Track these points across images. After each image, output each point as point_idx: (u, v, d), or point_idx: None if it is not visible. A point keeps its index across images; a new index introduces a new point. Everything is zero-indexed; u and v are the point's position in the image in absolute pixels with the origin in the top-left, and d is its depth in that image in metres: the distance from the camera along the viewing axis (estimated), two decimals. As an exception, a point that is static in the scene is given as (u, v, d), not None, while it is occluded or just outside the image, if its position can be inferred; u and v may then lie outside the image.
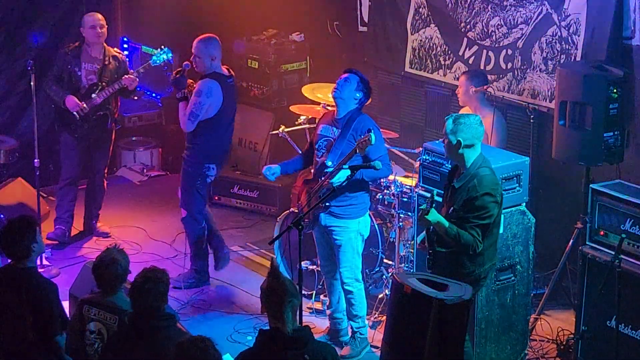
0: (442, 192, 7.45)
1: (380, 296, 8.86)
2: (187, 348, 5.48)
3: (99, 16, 10.03)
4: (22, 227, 6.87)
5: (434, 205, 6.97)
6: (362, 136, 7.72)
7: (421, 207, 7.02)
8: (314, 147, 8.31)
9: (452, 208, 7.07)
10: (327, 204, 8.02)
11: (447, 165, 7.88)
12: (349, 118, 8.07)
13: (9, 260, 6.92)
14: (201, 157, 9.22)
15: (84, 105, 9.84)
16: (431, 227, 7.04)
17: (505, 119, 9.48)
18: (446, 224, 6.92)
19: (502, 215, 7.81)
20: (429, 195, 7.25)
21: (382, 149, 8.02)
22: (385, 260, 9.02)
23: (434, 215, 6.92)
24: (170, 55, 10.25)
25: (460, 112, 9.22)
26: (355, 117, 8.06)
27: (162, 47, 10.19)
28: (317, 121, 8.48)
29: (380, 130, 8.25)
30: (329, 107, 8.49)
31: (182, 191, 9.39)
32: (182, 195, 9.40)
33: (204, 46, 9.12)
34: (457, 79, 10.11)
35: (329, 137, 8.15)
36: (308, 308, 8.99)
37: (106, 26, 10.06)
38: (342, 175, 7.75)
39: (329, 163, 8.02)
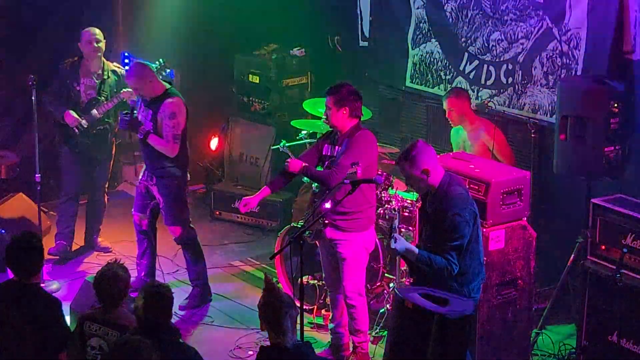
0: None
1: (381, 311, 8.85)
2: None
3: (96, 31, 10.03)
4: (32, 244, 6.85)
5: (398, 233, 6.86)
6: (352, 167, 7.74)
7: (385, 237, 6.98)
8: (318, 163, 8.32)
9: (426, 233, 7.07)
10: (327, 221, 8.04)
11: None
12: (348, 135, 8.07)
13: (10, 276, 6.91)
14: (182, 167, 9.27)
15: (83, 120, 9.84)
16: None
17: (507, 133, 9.49)
18: (416, 251, 6.86)
19: (503, 230, 7.83)
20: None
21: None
22: (386, 275, 9.01)
23: (401, 244, 6.84)
24: (167, 70, 10.28)
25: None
26: (353, 134, 8.06)
27: (160, 60, 10.19)
28: (319, 139, 8.47)
29: (379, 148, 8.31)
30: (329, 122, 8.50)
31: (170, 207, 9.25)
32: (171, 212, 9.27)
33: (145, 71, 9.15)
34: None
35: (332, 155, 8.16)
36: (309, 323, 8.98)
37: (103, 40, 10.06)
38: None
39: None
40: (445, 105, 9.27)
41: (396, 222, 6.92)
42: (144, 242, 9.52)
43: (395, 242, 6.81)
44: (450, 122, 9.32)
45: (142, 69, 9.17)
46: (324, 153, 8.26)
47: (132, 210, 9.51)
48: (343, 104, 8.01)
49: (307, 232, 8.00)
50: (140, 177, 9.46)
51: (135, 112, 9.14)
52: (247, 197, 8.40)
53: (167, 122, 9.03)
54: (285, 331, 5.59)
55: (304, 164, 8.13)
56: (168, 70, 10.35)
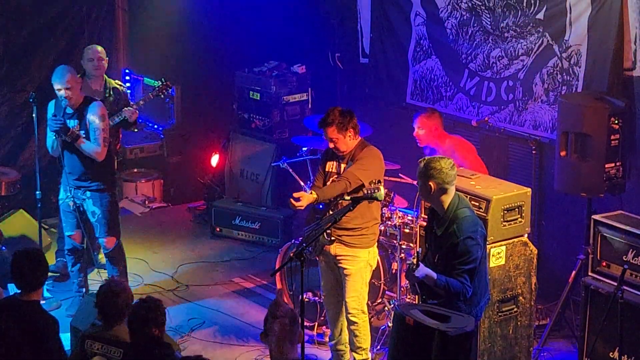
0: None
1: (382, 328, 8.83)
2: None
3: (99, 48, 10.03)
4: (37, 259, 6.85)
5: (420, 259, 6.92)
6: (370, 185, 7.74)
7: (408, 262, 6.98)
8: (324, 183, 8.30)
9: (437, 256, 7.06)
10: (332, 238, 8.03)
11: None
12: (353, 153, 8.07)
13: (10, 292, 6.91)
14: (112, 174, 9.37)
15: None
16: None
17: (507, 150, 9.49)
18: (434, 276, 6.88)
19: (504, 247, 7.84)
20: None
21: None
22: (387, 292, 9.00)
23: (422, 271, 6.87)
24: (170, 88, 10.30)
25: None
26: (359, 150, 8.05)
27: (163, 79, 10.21)
28: (322, 158, 8.45)
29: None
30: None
31: (106, 218, 9.23)
32: (107, 222, 9.24)
33: (74, 75, 9.10)
34: (460, 109, 10.14)
35: (337, 173, 8.13)
36: (310, 340, 8.96)
37: (106, 59, 10.06)
38: None
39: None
40: (415, 124, 9.24)
41: (420, 249, 6.92)
42: (83, 259, 9.50)
43: (418, 270, 6.84)
44: (417, 141, 9.29)
45: (73, 69, 9.17)
46: (327, 170, 8.24)
47: (67, 231, 9.41)
48: (346, 128, 8.00)
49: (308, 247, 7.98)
50: (62, 195, 9.32)
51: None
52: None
53: (97, 125, 9.02)
54: (287, 347, 5.58)
55: (313, 196, 8.02)
56: (170, 89, 10.38)
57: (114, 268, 9.39)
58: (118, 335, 6.50)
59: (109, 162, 9.26)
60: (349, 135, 8.02)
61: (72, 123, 9.05)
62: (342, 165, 8.11)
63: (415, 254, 6.92)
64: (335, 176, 8.11)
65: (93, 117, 9.02)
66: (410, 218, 8.87)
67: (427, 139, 9.19)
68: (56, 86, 9.01)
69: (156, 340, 6.15)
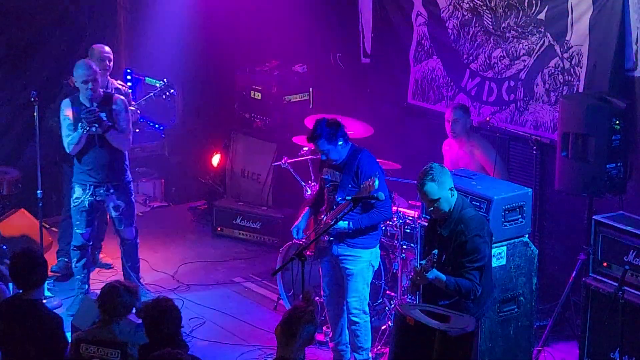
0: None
1: (383, 328, 8.83)
2: None
3: (107, 49, 10.05)
4: (36, 258, 6.87)
5: (434, 263, 6.92)
6: (367, 180, 7.73)
7: (421, 262, 6.94)
8: (322, 191, 8.29)
9: (444, 256, 7.06)
10: (331, 238, 8.03)
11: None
12: (347, 161, 8.06)
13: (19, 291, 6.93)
14: (127, 164, 9.52)
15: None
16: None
17: (508, 150, 9.49)
18: (444, 278, 6.89)
19: (505, 247, 7.85)
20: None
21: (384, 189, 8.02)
22: (388, 292, 9.00)
23: (433, 273, 6.86)
24: (171, 90, 10.30)
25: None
26: (354, 156, 8.04)
27: (164, 79, 10.20)
28: (319, 165, 8.45)
29: (381, 165, 8.29)
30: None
31: (131, 209, 9.48)
32: (131, 213, 9.49)
33: (96, 67, 9.20)
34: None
35: (334, 181, 8.13)
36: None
37: (112, 59, 10.10)
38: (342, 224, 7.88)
39: (339, 199, 8.03)
40: (450, 116, 9.26)
41: (435, 252, 6.90)
42: (88, 255, 9.61)
43: (428, 272, 6.83)
44: (452, 133, 9.30)
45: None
46: (323, 176, 8.23)
47: (79, 229, 9.44)
48: (335, 137, 7.99)
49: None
50: (79, 193, 9.34)
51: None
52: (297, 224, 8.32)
53: (124, 115, 9.20)
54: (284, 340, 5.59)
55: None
56: (171, 89, 10.37)
57: (130, 259, 9.52)
58: (114, 334, 6.47)
59: (126, 156, 9.43)
60: (340, 145, 8.01)
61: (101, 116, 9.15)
62: (337, 174, 8.09)
63: (431, 256, 6.86)
64: (331, 183, 8.11)
65: (120, 109, 9.16)
66: (410, 218, 8.87)
67: (462, 132, 9.23)
68: (82, 78, 9.02)
69: (173, 339, 6.16)
